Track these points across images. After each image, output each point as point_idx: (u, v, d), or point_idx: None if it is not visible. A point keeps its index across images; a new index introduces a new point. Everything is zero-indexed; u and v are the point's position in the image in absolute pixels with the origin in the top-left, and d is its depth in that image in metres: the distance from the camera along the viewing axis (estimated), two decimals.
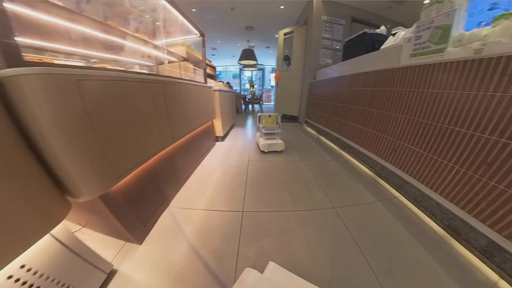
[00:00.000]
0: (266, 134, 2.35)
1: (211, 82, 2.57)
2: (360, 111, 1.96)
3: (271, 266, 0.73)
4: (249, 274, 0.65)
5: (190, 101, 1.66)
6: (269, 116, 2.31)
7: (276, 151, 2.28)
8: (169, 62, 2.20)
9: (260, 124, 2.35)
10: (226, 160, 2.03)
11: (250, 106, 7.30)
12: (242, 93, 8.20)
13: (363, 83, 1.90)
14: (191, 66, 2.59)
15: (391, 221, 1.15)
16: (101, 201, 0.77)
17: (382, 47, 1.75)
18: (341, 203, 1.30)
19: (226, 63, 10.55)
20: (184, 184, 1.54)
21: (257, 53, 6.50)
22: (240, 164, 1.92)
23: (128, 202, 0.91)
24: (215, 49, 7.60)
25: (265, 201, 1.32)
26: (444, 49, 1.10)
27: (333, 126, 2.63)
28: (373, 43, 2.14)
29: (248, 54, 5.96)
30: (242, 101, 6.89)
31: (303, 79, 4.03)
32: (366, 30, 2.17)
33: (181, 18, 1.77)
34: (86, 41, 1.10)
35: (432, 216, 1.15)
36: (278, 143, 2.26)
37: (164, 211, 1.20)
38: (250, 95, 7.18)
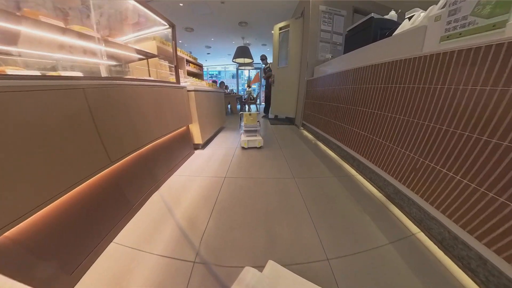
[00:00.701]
0: (246, 131, 2.51)
1: (186, 81, 2.20)
2: (367, 115, 1.55)
3: (271, 264, 0.72)
4: (248, 273, 0.65)
5: (145, 106, 1.28)
6: (250, 114, 2.46)
7: (255, 147, 2.39)
8: (127, 62, 1.84)
9: (242, 122, 2.45)
10: (198, 176, 1.65)
11: (246, 106, 6.91)
12: (241, 93, 7.80)
13: (372, 79, 1.49)
14: (165, 63, 2.22)
15: (406, 277, 0.78)
16: None
17: (396, 32, 1.34)
18: (338, 250, 0.90)
19: (223, 62, 10.21)
20: (138, 211, 1.19)
21: (253, 51, 6.10)
22: (213, 183, 1.53)
23: (38, 251, 0.68)
24: (209, 47, 7.26)
25: (229, 245, 0.93)
26: (504, 22, 0.69)
27: (333, 131, 2.22)
28: (382, 31, 1.73)
29: (243, 52, 5.52)
30: (237, 101, 6.52)
31: (300, 77, 3.62)
32: (373, 14, 1.77)
33: (139, 7, 1.40)
34: None
35: (468, 271, 0.77)
36: (257, 139, 2.37)
37: (103, 252, 0.89)
38: (246, 95, 6.79)
